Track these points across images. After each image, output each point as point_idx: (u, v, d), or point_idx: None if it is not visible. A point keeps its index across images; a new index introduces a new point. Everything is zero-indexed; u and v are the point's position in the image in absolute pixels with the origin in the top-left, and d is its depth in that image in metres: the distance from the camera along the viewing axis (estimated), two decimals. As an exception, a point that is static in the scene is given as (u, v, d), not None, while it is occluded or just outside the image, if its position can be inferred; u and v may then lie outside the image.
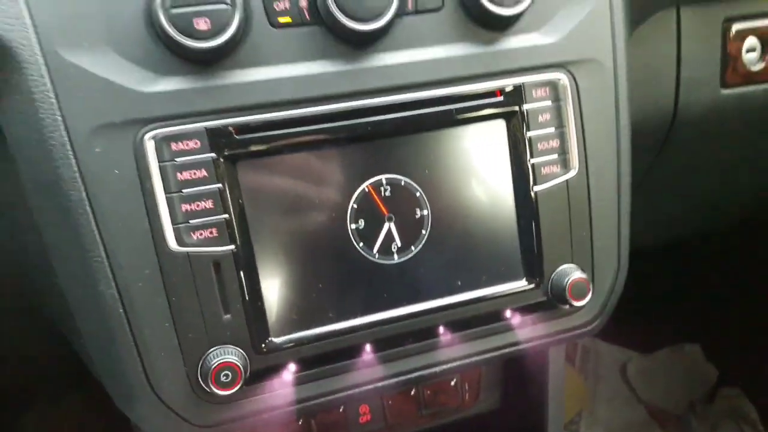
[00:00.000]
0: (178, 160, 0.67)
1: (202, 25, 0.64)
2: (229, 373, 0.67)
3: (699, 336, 2.23)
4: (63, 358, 1.27)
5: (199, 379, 0.69)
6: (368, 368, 0.78)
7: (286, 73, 0.69)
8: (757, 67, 1.03)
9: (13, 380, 1.46)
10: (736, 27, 1.01)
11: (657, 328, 2.21)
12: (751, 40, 1.02)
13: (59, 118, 0.64)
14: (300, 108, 0.70)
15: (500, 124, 0.78)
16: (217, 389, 0.67)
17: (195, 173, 0.67)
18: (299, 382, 0.75)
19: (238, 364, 0.68)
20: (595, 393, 2.17)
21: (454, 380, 1.01)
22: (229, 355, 0.69)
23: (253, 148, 0.69)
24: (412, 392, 0.99)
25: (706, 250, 2.04)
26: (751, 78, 1.03)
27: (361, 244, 0.75)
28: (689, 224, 1.46)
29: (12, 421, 1.67)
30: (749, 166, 1.24)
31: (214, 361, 0.68)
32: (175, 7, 0.63)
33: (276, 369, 0.73)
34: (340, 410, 0.95)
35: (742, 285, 2.08)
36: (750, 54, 1.02)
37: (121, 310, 0.67)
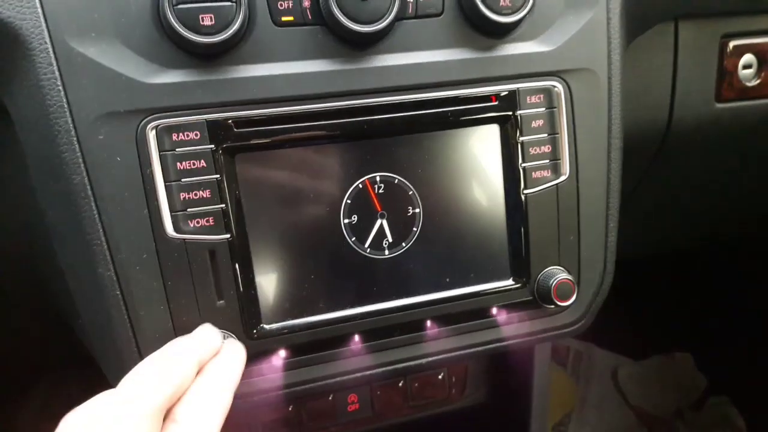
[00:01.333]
0: (178, 150, 0.69)
1: (207, 20, 0.66)
2: None
3: (690, 345, 2.25)
4: (67, 341, 1.30)
5: (191, 362, 0.71)
6: (357, 357, 0.80)
7: (287, 70, 0.72)
8: (753, 83, 1.04)
9: (18, 362, 1.48)
10: (733, 43, 1.02)
11: (649, 336, 2.23)
12: (748, 57, 1.03)
13: (65, 104, 0.66)
14: (299, 104, 0.72)
15: (494, 129, 0.80)
16: None
17: (194, 163, 0.70)
18: (289, 367, 0.77)
19: None
20: (585, 396, 2.19)
21: (442, 374, 1.04)
22: None
23: (252, 141, 0.72)
24: (400, 384, 1.01)
25: (700, 260, 2.06)
26: (745, 93, 1.04)
27: (354, 238, 0.77)
28: (680, 235, 1.47)
29: (16, 403, 1.70)
30: (740, 181, 1.25)
31: None
32: (181, 3, 0.65)
33: (267, 354, 0.76)
34: (330, 398, 0.98)
35: (735, 295, 2.10)
36: (746, 70, 1.04)
37: (118, 292, 0.70)
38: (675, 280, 2.15)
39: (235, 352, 0.69)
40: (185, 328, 0.71)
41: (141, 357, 0.71)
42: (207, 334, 0.69)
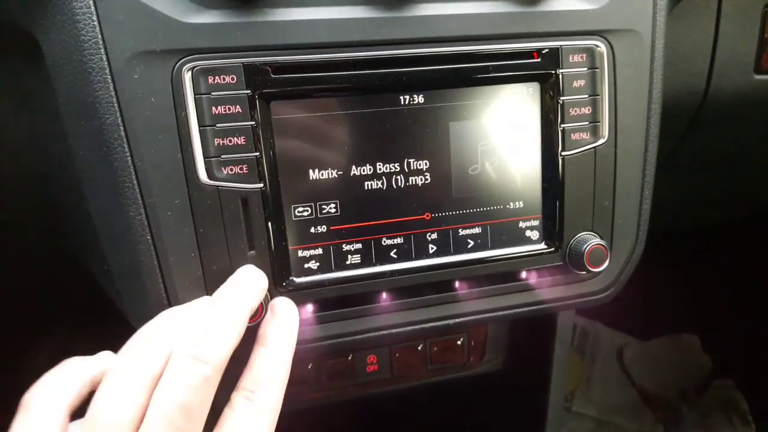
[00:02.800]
0: (213, 93, 0.67)
1: (248, -41, 0.64)
2: None
3: (698, 327, 2.24)
4: (76, 298, 1.29)
5: (221, 311, 0.70)
6: (385, 314, 0.79)
7: (328, 15, 0.69)
8: (793, 55, 1.02)
9: (25, 318, 1.48)
10: (776, 13, 1.00)
11: (657, 317, 2.22)
12: (790, 28, 1.01)
13: (100, 41, 0.64)
14: (337, 52, 0.70)
15: (534, 87, 0.78)
16: None
17: (229, 108, 0.68)
18: (317, 321, 0.76)
19: None
20: (591, 374, 2.19)
21: (461, 339, 1.03)
22: None
23: (288, 88, 0.70)
24: (420, 347, 1.01)
25: (713, 239, 2.04)
26: (785, 66, 1.02)
27: (387, 194, 0.76)
28: (706, 210, 1.45)
29: (22, 359, 1.70)
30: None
31: None
32: (223, -61, 0.63)
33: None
34: (349, 358, 0.97)
35: (746, 278, 2.09)
36: (787, 42, 1.01)
37: (148, 237, 0.68)
38: (686, 258, 2.14)
39: (291, 315, 0.69)
40: (215, 277, 0.70)
41: (169, 304, 0.71)
42: (255, 281, 0.68)
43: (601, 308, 0.90)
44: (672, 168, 1.15)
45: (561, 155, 0.79)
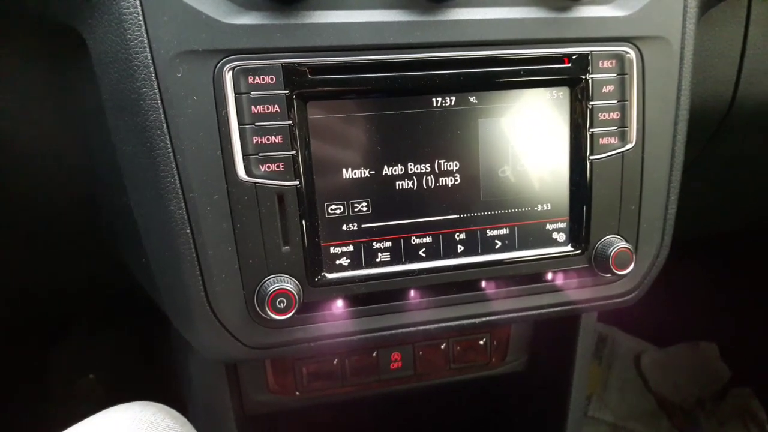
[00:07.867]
0: (253, 93, 0.69)
1: (288, -37, 0.66)
2: (285, 300, 0.71)
3: (716, 334, 2.23)
4: (102, 293, 1.32)
5: (256, 304, 0.72)
6: (413, 312, 0.81)
7: (364, 18, 0.71)
8: (821, 63, 1.02)
9: (53, 310, 1.51)
10: (805, 21, 1.00)
11: (675, 323, 2.21)
12: (819, 36, 1.01)
13: (145, 40, 0.66)
14: (373, 54, 0.72)
15: (564, 92, 0.80)
16: (273, 314, 0.71)
17: (268, 108, 0.70)
18: (347, 316, 0.78)
19: (294, 292, 0.71)
20: (607, 379, 2.19)
21: (484, 339, 1.04)
22: (286, 283, 0.72)
23: (325, 88, 0.72)
24: (443, 346, 1.02)
25: (732, 248, 2.03)
26: (813, 75, 1.02)
27: (417, 194, 0.77)
28: (731, 216, 1.45)
29: (48, 349, 1.73)
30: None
31: (272, 287, 0.71)
32: (265, -57, 0.65)
33: (327, 302, 0.77)
34: (374, 355, 0.99)
35: (765, 287, 2.07)
36: (815, 50, 1.02)
37: (188, 231, 0.70)
38: (706, 264, 2.13)
39: None
40: (251, 271, 0.73)
41: (207, 297, 0.73)
42: None
43: (619, 313, 0.91)
44: (697, 174, 1.15)
45: (589, 159, 0.80)
